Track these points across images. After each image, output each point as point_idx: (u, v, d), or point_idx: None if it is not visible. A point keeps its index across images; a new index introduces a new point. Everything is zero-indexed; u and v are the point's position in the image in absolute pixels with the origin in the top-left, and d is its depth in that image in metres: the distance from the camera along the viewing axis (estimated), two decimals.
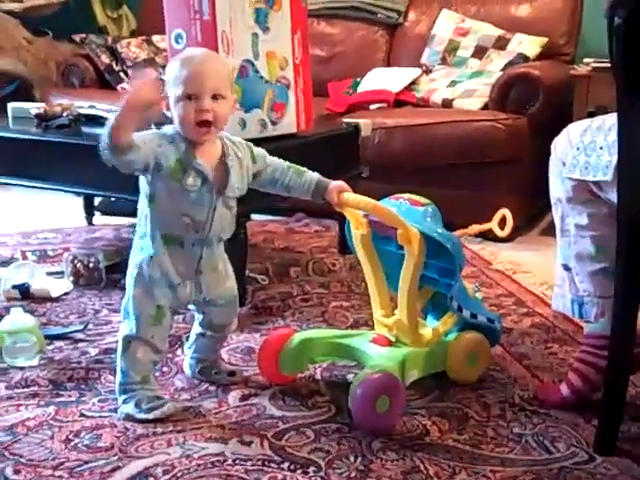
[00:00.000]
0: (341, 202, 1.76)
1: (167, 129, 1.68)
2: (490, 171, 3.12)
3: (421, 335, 1.84)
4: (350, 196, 1.77)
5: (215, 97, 1.61)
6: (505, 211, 1.95)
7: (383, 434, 1.64)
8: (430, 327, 1.88)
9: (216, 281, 1.78)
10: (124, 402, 1.72)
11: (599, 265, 1.67)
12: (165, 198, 1.65)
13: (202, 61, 1.65)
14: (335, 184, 1.78)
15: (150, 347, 1.71)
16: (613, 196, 1.54)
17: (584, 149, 1.61)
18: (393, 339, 1.82)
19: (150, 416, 1.69)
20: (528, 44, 3.53)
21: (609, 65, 1.46)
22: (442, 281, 1.81)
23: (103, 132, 1.56)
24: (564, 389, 1.74)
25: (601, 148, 1.58)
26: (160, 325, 1.71)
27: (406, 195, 1.84)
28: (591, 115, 3.13)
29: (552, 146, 1.75)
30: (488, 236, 2.87)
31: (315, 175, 1.80)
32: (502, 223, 1.97)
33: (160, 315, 1.71)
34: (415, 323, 1.82)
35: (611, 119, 1.59)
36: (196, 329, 1.88)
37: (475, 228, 1.95)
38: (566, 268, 1.75)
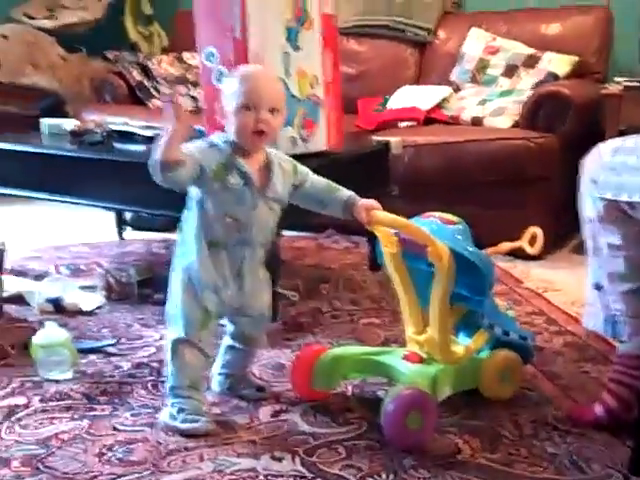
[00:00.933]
0: (370, 220, 1.77)
1: (212, 138, 1.76)
2: (520, 189, 3.12)
3: (453, 352, 1.83)
4: (380, 214, 1.78)
5: (272, 111, 1.70)
6: (536, 229, 1.95)
7: (414, 451, 1.63)
8: (462, 345, 1.88)
9: (257, 287, 1.82)
10: (172, 405, 1.74)
11: (632, 285, 1.66)
12: (209, 200, 1.71)
13: (262, 77, 1.77)
14: (364, 202, 1.79)
15: (199, 351, 1.73)
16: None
17: (616, 169, 1.61)
18: (425, 356, 1.82)
19: (182, 426, 1.71)
20: (558, 62, 3.53)
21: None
22: (473, 298, 1.80)
23: (153, 157, 1.64)
24: (598, 409, 1.73)
25: (636, 169, 1.57)
26: (207, 330, 1.75)
27: (437, 214, 1.85)
28: (622, 134, 3.14)
29: (581, 165, 1.75)
30: (519, 254, 2.88)
31: (347, 192, 1.82)
32: (532, 241, 1.96)
33: (207, 319, 1.74)
34: (446, 340, 1.82)
35: None
36: (226, 342, 1.90)
37: (506, 246, 1.95)
38: (597, 287, 1.74)
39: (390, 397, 1.66)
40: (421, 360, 1.81)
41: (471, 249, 1.76)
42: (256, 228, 1.75)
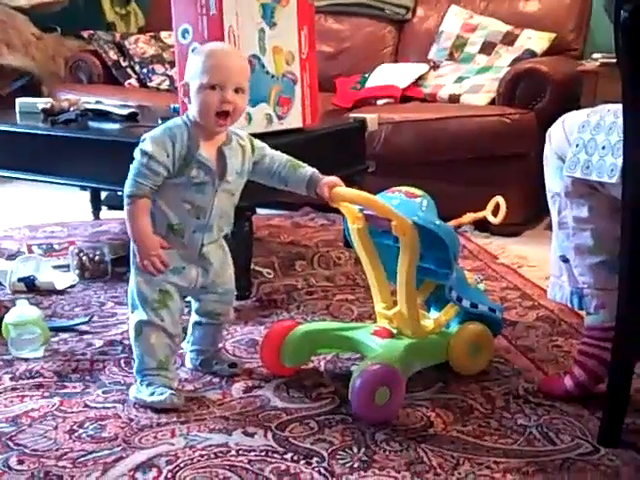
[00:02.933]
0: (332, 196, 1.77)
1: (175, 121, 1.71)
2: (497, 166, 3.12)
3: (422, 326, 1.84)
4: (342, 190, 1.77)
5: (237, 90, 1.66)
6: (499, 198, 1.94)
7: (383, 425, 1.63)
8: (432, 319, 1.88)
9: (221, 265, 1.81)
10: (140, 383, 1.74)
11: (599, 258, 1.67)
12: (169, 190, 1.68)
13: (228, 54, 1.73)
14: (327, 179, 1.78)
15: (162, 331, 1.72)
16: (617, 193, 1.53)
17: (584, 147, 1.60)
18: (395, 331, 1.82)
19: (148, 399, 1.71)
20: (536, 40, 3.52)
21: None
22: (440, 272, 1.80)
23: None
24: (568, 382, 1.74)
25: (604, 148, 1.56)
26: (168, 309, 1.73)
27: (402, 188, 1.84)
28: None
29: (547, 136, 1.75)
30: (486, 228, 2.89)
31: (310, 170, 1.80)
32: (495, 210, 1.95)
33: (165, 299, 1.73)
34: (415, 314, 1.82)
35: (609, 116, 1.57)
36: (193, 318, 1.89)
37: (469, 217, 1.94)
38: (564, 260, 1.75)
39: (358, 372, 1.65)
40: (391, 335, 1.81)
41: (435, 222, 1.75)
42: (215, 214, 1.73)
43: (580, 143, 1.61)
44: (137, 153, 1.66)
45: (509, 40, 3.57)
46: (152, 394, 1.71)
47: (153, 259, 1.67)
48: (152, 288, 1.72)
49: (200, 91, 1.65)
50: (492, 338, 1.92)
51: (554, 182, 1.72)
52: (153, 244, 1.67)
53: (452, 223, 1.85)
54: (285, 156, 1.82)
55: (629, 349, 1.54)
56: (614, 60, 2.86)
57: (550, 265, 1.83)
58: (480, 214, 1.94)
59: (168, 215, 1.70)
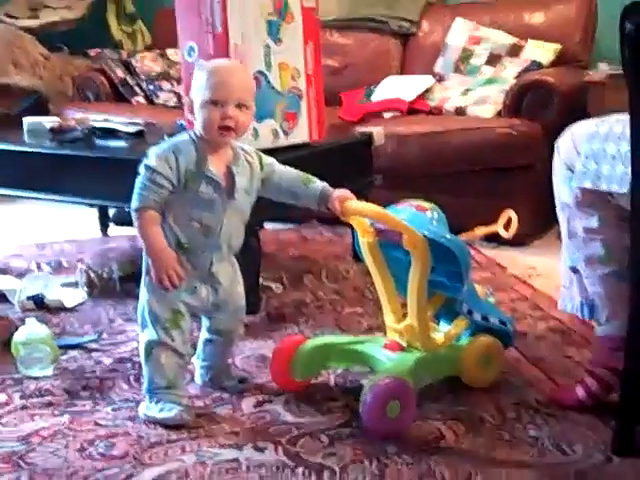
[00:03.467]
0: (343, 210, 1.76)
1: (181, 137, 1.72)
2: (504, 177, 3.12)
3: (433, 339, 1.83)
4: (353, 204, 1.77)
5: (239, 106, 1.67)
6: (510, 212, 1.93)
7: (394, 439, 1.62)
8: (442, 332, 1.87)
9: (231, 283, 1.80)
10: (149, 400, 1.73)
11: (609, 268, 1.66)
12: (177, 206, 1.68)
13: (230, 71, 1.73)
14: (337, 192, 1.77)
15: (172, 351, 1.72)
16: (626, 203, 1.52)
17: (593, 157, 1.59)
18: (405, 344, 1.81)
19: (158, 416, 1.70)
20: (542, 51, 3.52)
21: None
22: (451, 285, 1.80)
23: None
24: (580, 391, 1.73)
25: (613, 158, 1.55)
26: (179, 328, 1.72)
27: (412, 201, 1.84)
28: None
29: (555, 147, 1.74)
30: (495, 239, 2.87)
31: (321, 184, 1.80)
32: (507, 224, 1.95)
33: (177, 318, 1.72)
34: (426, 328, 1.81)
35: (617, 126, 1.57)
36: (204, 335, 1.89)
37: (481, 230, 1.93)
38: (574, 270, 1.74)
39: (369, 386, 1.65)
40: (401, 348, 1.80)
41: (447, 236, 1.75)
42: (224, 232, 1.73)
43: (590, 154, 1.60)
44: (141, 168, 1.66)
45: (515, 52, 3.58)
46: (162, 410, 1.71)
47: (170, 273, 1.66)
48: (164, 307, 1.71)
49: (203, 107, 1.66)
50: (503, 350, 1.91)
51: (563, 192, 1.72)
52: (169, 257, 1.66)
53: (463, 237, 1.84)
54: (295, 171, 1.82)
55: None
56: (621, 71, 2.88)
57: (560, 275, 1.83)
58: (492, 228, 1.94)
59: (177, 233, 1.70)
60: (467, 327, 1.89)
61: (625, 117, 1.53)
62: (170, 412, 1.70)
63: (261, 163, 1.78)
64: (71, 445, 1.62)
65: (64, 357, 2.06)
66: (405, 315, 1.83)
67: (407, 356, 1.78)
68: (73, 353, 2.10)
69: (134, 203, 1.65)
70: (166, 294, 1.69)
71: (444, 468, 1.52)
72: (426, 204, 1.82)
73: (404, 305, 1.84)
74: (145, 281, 1.72)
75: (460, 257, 1.74)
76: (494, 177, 3.12)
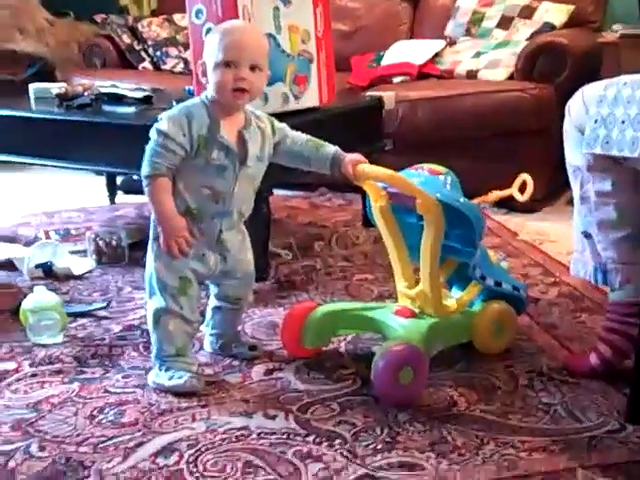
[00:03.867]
0: (357, 174, 1.74)
1: (193, 101, 1.69)
2: (516, 142, 3.08)
3: (445, 306, 1.81)
4: (365, 167, 1.74)
5: (252, 68, 1.64)
6: (525, 176, 1.90)
7: (406, 406, 1.61)
8: (454, 298, 1.85)
9: (239, 250, 1.79)
10: (159, 368, 1.72)
11: (623, 232, 1.63)
12: (188, 172, 1.66)
13: (243, 32, 1.70)
14: (350, 157, 1.75)
15: (180, 318, 1.70)
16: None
17: (602, 121, 1.56)
18: (417, 310, 1.80)
19: (167, 384, 1.69)
20: (555, 12, 3.46)
21: (638, 32, 1.40)
22: (464, 250, 1.78)
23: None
24: (593, 358, 1.71)
25: (623, 122, 1.52)
26: (186, 296, 1.71)
27: (425, 165, 1.81)
28: None
29: (566, 109, 1.70)
30: (514, 206, 2.84)
31: (333, 148, 1.77)
32: (522, 188, 1.91)
33: (185, 286, 1.70)
34: (438, 293, 1.79)
35: (626, 90, 1.53)
36: (212, 303, 1.87)
37: (495, 194, 1.90)
38: (586, 235, 1.71)
39: (381, 353, 1.64)
40: (413, 314, 1.79)
41: (461, 200, 1.72)
42: (236, 199, 1.71)
43: (599, 118, 1.57)
44: (153, 132, 1.64)
45: (527, 13, 3.52)
46: (171, 378, 1.70)
47: (179, 240, 1.64)
48: (172, 274, 1.70)
49: (216, 68, 1.63)
50: (516, 317, 1.90)
51: (575, 156, 1.68)
52: (179, 224, 1.65)
53: (477, 201, 1.82)
54: (306, 136, 1.79)
55: None
56: (635, 31, 2.83)
57: (572, 241, 1.80)
58: (506, 192, 1.91)
59: (187, 199, 1.67)
60: (480, 293, 1.87)
61: (633, 79, 1.49)
62: (180, 380, 1.69)
63: (273, 128, 1.76)
64: (81, 413, 1.62)
65: (73, 325, 2.06)
66: (417, 281, 1.81)
67: (419, 322, 1.77)
68: (82, 321, 2.09)
69: (145, 170, 1.63)
70: (174, 261, 1.68)
71: (456, 435, 1.51)
72: (439, 168, 1.80)
73: (416, 271, 1.82)
74: (153, 248, 1.71)
75: (474, 221, 1.71)
76: (506, 142, 3.08)
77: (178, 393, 1.68)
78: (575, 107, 1.67)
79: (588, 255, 1.72)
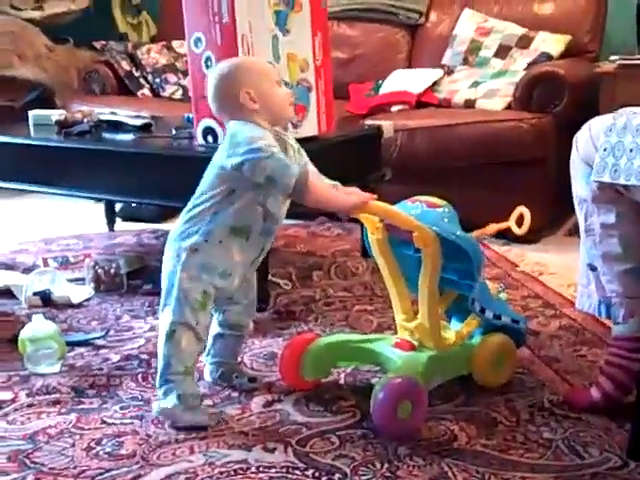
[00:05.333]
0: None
1: (261, 127, 1.68)
2: (515, 171, 3.08)
3: (444, 338, 1.81)
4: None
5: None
6: (523, 209, 1.90)
7: (405, 440, 1.60)
8: (453, 330, 1.85)
9: (254, 276, 1.83)
10: (164, 394, 1.69)
11: (627, 265, 1.63)
12: (249, 190, 1.67)
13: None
14: (347, 191, 1.74)
15: (194, 334, 1.69)
16: None
17: (611, 150, 1.56)
18: (416, 343, 1.79)
19: (184, 417, 1.67)
20: (552, 42, 3.48)
21: (635, 62, 1.41)
22: (463, 283, 1.78)
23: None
24: (594, 393, 1.70)
25: (631, 150, 1.52)
26: (205, 311, 1.70)
27: (423, 197, 1.81)
28: None
29: (574, 142, 1.71)
30: (512, 237, 2.84)
31: (330, 183, 1.76)
32: (520, 220, 1.91)
33: (206, 301, 1.70)
34: (437, 326, 1.79)
35: (636, 119, 1.54)
36: (214, 330, 1.86)
37: (493, 227, 1.90)
38: (592, 268, 1.71)
39: (379, 386, 1.63)
40: (412, 347, 1.78)
41: (458, 233, 1.72)
42: (280, 219, 1.75)
43: (607, 147, 1.57)
44: (255, 152, 1.61)
45: (524, 43, 3.53)
46: (185, 410, 1.67)
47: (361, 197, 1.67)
48: (196, 287, 1.69)
49: (272, 88, 1.70)
50: (515, 349, 1.89)
51: (581, 188, 1.69)
52: (345, 196, 1.67)
53: (475, 234, 1.82)
54: (312, 166, 1.80)
55: None
56: (632, 62, 2.84)
57: (577, 273, 1.80)
58: (504, 224, 1.90)
59: (236, 217, 1.68)
60: (479, 326, 1.87)
61: None
62: (197, 416, 1.68)
63: (300, 150, 1.79)
64: (78, 444, 1.61)
65: (71, 354, 2.05)
66: (416, 313, 1.81)
67: (418, 355, 1.76)
68: (80, 350, 2.08)
69: (287, 180, 1.59)
70: (203, 274, 1.68)
71: (457, 470, 1.50)
72: (437, 200, 1.80)
73: (414, 302, 1.82)
74: (180, 257, 1.69)
75: (472, 255, 1.72)
76: (504, 171, 3.09)
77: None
78: (582, 140, 1.67)
79: (593, 288, 1.72)
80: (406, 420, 1.61)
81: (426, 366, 1.73)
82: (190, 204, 1.72)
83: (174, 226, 1.75)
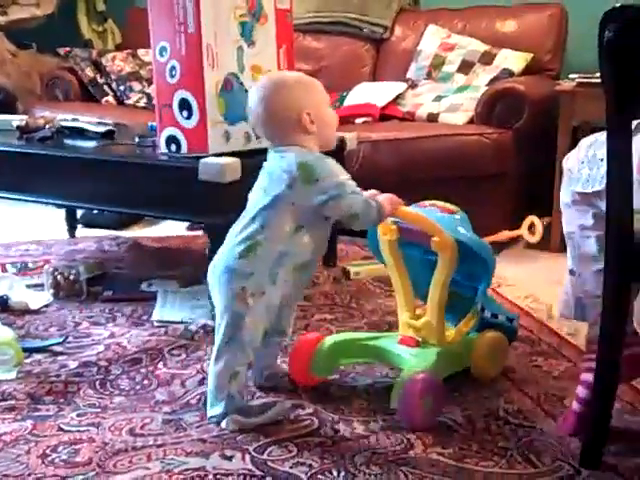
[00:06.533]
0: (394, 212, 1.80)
1: (314, 154, 1.69)
2: (476, 185, 3.12)
3: (447, 335, 1.89)
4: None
5: None
6: (533, 218, 1.98)
7: (427, 430, 1.68)
8: (452, 328, 1.92)
9: None
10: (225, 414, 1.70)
11: (601, 265, 1.66)
12: (316, 227, 1.68)
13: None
14: (385, 195, 1.76)
15: (247, 368, 1.74)
16: (603, 206, 1.54)
17: (588, 162, 1.62)
18: (419, 339, 1.86)
19: (259, 419, 1.70)
20: (514, 59, 3.54)
21: (594, 81, 1.45)
22: (466, 284, 1.86)
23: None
24: (574, 404, 1.69)
25: (602, 160, 1.58)
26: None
27: (436, 202, 1.91)
28: (575, 130, 3.16)
29: (564, 161, 1.79)
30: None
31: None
32: (531, 229, 2.00)
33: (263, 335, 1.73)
34: (443, 324, 1.87)
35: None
36: None
37: (505, 234, 1.99)
38: (571, 272, 1.76)
39: (404, 381, 1.71)
40: (417, 344, 1.86)
41: (476, 239, 1.80)
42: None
43: (585, 160, 1.64)
44: (340, 189, 1.64)
45: (487, 59, 3.59)
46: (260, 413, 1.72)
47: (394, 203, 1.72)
48: (259, 329, 1.70)
49: (327, 110, 1.72)
50: (508, 345, 2.01)
51: (565, 195, 1.76)
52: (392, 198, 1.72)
53: (489, 239, 1.89)
54: None
55: (611, 370, 1.53)
56: (591, 80, 2.90)
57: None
58: (516, 232, 2.00)
59: (301, 256, 1.68)
60: (476, 323, 1.95)
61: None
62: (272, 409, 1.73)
63: None
64: (33, 451, 1.59)
65: (28, 360, 2.02)
66: (416, 312, 1.91)
67: (427, 351, 1.84)
68: (37, 356, 2.06)
69: (370, 217, 1.67)
70: (264, 315, 1.69)
71: (412, 479, 1.51)
72: (451, 206, 1.89)
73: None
74: (249, 303, 1.66)
75: (488, 260, 1.81)
76: (465, 184, 3.12)
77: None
78: (572, 155, 1.76)
79: (570, 292, 1.76)
80: (429, 411, 1.71)
81: (436, 361, 1.81)
82: (244, 235, 1.67)
83: (225, 255, 1.70)
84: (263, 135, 1.76)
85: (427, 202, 1.90)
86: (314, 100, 1.68)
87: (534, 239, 1.96)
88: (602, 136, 1.62)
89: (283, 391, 1.87)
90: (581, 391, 1.69)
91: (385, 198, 1.72)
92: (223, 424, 1.69)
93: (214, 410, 1.71)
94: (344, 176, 1.65)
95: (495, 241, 1.93)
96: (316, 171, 1.62)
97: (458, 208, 1.88)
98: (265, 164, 1.74)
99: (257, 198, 1.70)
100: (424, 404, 1.69)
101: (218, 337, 1.69)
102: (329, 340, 1.91)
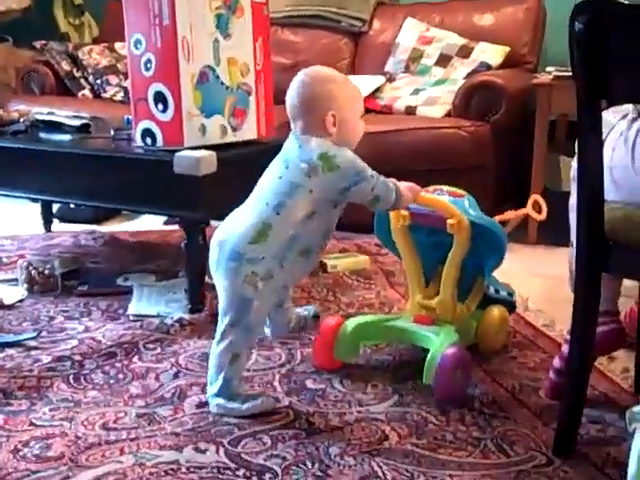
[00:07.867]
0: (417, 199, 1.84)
1: (336, 147, 1.70)
2: (454, 177, 3.06)
3: (458, 312, 1.96)
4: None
5: None
6: (537, 196, 2.04)
7: (459, 403, 1.75)
8: (460, 304, 1.98)
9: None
10: (225, 400, 1.72)
11: None
12: (328, 212, 1.71)
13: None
14: (406, 184, 1.79)
15: (250, 352, 1.82)
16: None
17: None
18: (433, 317, 1.93)
19: (243, 407, 1.71)
20: (491, 53, 3.54)
21: (571, 74, 1.45)
22: (469, 262, 1.92)
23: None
24: (551, 374, 1.75)
25: (607, 134, 1.60)
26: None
27: (443, 187, 1.96)
28: (553, 123, 3.17)
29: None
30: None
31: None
32: (536, 208, 2.05)
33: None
34: (455, 302, 1.94)
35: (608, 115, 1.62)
36: None
37: (511, 213, 2.03)
38: (572, 245, 1.77)
39: (436, 357, 1.76)
40: (432, 322, 1.92)
41: (489, 220, 1.90)
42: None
43: None
44: (362, 175, 1.67)
45: (465, 53, 3.59)
46: (245, 402, 1.72)
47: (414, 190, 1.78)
48: (266, 312, 1.74)
49: (355, 118, 1.74)
50: (509, 318, 2.11)
51: (574, 167, 1.76)
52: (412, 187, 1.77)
53: (497, 218, 1.95)
54: None
55: (584, 359, 1.54)
56: (568, 73, 2.90)
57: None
58: (522, 211, 2.06)
59: (310, 239, 1.70)
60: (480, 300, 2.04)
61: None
62: (256, 401, 1.73)
63: None
64: (5, 446, 1.58)
65: (0, 355, 2.01)
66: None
67: (446, 328, 1.89)
68: (10, 351, 2.04)
69: (390, 197, 1.70)
70: (270, 300, 1.72)
71: (387, 469, 1.51)
72: (460, 190, 1.94)
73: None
74: (259, 287, 1.67)
75: (502, 238, 1.89)
76: (443, 177, 3.02)
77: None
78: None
79: (570, 266, 1.77)
80: (460, 385, 1.79)
81: (457, 336, 1.86)
82: (257, 219, 1.68)
83: (235, 237, 1.69)
84: (291, 119, 1.78)
85: (431, 187, 1.94)
86: (342, 103, 1.71)
87: (541, 217, 2.03)
88: (608, 115, 1.65)
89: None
90: (556, 362, 1.75)
91: (405, 187, 1.75)
92: (211, 405, 1.72)
93: (212, 389, 1.73)
94: (362, 164, 1.68)
95: (502, 220, 1.98)
96: (337, 159, 1.66)
97: (465, 192, 1.94)
98: (283, 149, 1.76)
99: (272, 184, 1.71)
100: (456, 378, 1.75)
101: (222, 319, 1.71)
102: (350, 323, 1.94)
